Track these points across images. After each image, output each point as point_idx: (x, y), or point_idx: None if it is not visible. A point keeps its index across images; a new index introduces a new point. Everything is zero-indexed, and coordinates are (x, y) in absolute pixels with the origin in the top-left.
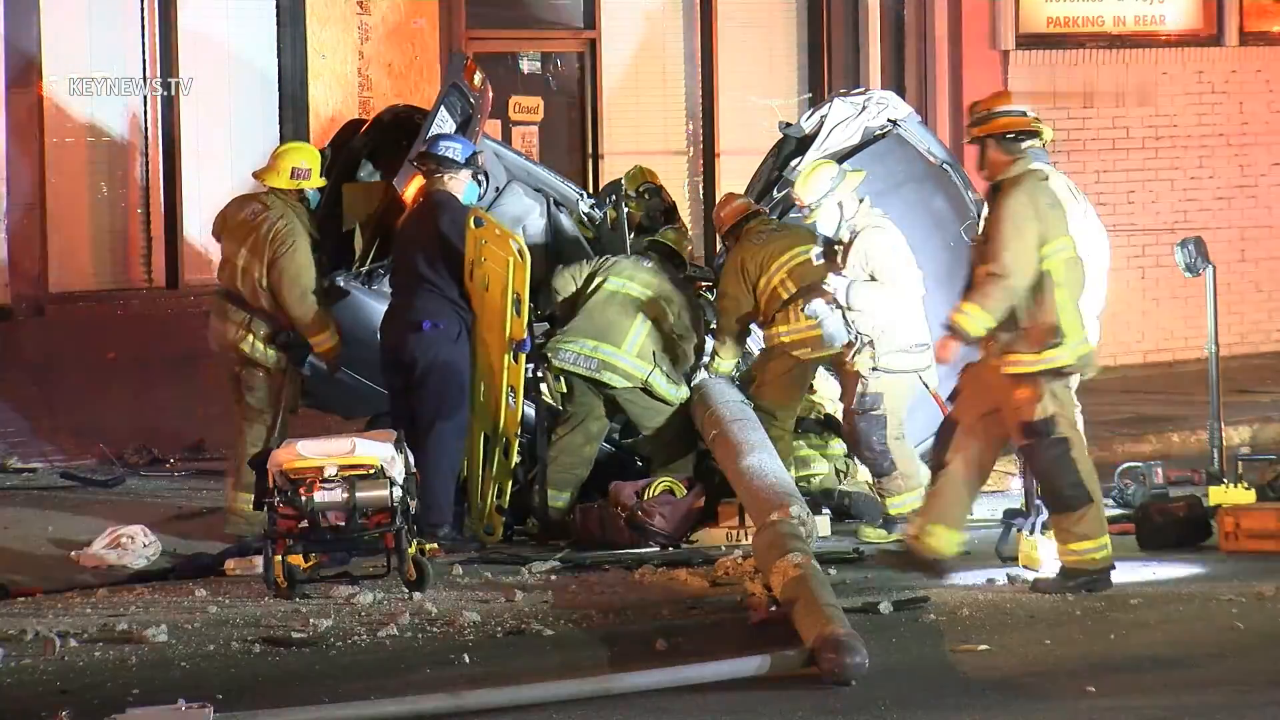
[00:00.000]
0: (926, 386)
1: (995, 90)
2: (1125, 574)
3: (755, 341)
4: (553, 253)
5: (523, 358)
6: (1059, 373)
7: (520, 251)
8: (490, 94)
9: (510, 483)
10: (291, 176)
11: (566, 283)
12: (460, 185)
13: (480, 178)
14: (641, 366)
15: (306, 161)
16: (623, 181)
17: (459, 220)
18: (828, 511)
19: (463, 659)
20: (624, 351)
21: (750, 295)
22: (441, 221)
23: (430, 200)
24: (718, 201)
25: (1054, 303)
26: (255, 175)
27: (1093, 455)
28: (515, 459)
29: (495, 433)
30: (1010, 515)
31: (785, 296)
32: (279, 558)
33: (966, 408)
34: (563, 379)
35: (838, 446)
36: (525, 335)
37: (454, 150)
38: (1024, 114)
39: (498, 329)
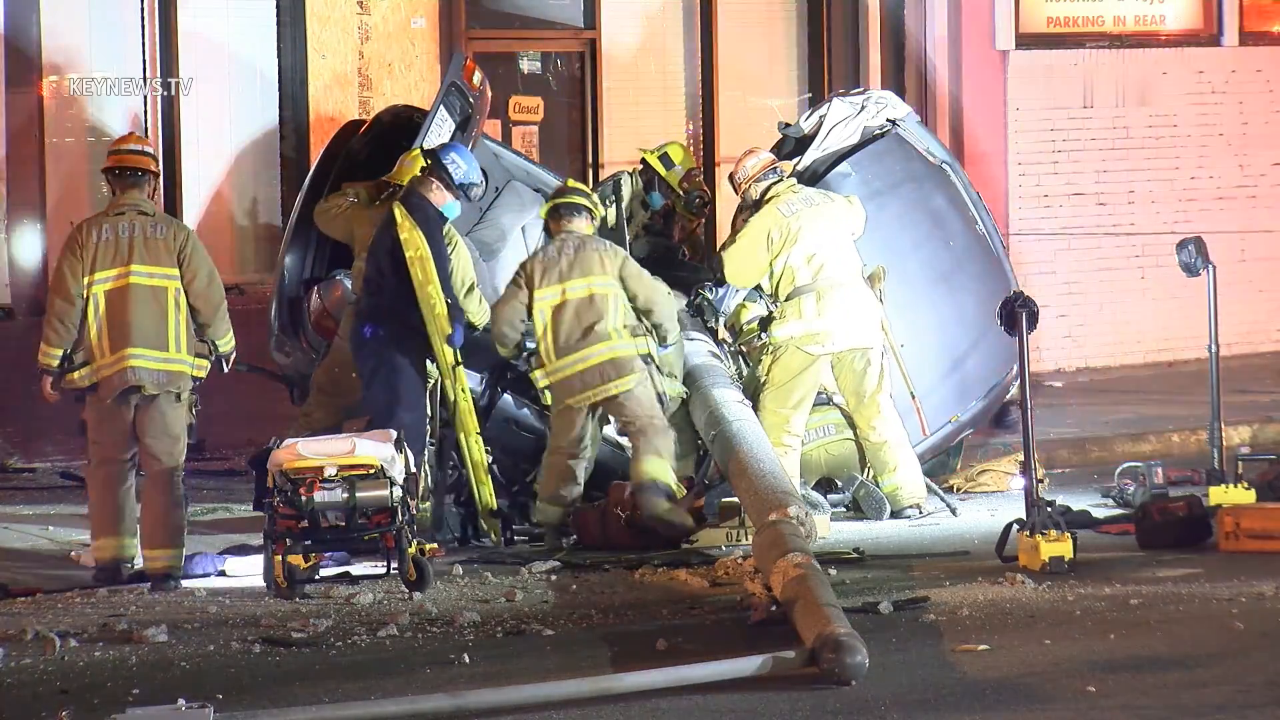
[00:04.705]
0: (913, 396)
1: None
2: (1125, 574)
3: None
4: None
5: (453, 352)
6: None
7: (420, 242)
8: (490, 94)
9: (490, 482)
10: None
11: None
12: (441, 199)
13: (464, 202)
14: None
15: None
16: (623, 181)
17: (432, 228)
18: (827, 510)
19: (463, 659)
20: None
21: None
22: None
23: (407, 202)
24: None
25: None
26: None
27: (1094, 455)
28: (484, 457)
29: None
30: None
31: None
32: (279, 558)
33: None
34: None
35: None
36: (451, 329)
37: (458, 170)
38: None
39: (433, 323)
